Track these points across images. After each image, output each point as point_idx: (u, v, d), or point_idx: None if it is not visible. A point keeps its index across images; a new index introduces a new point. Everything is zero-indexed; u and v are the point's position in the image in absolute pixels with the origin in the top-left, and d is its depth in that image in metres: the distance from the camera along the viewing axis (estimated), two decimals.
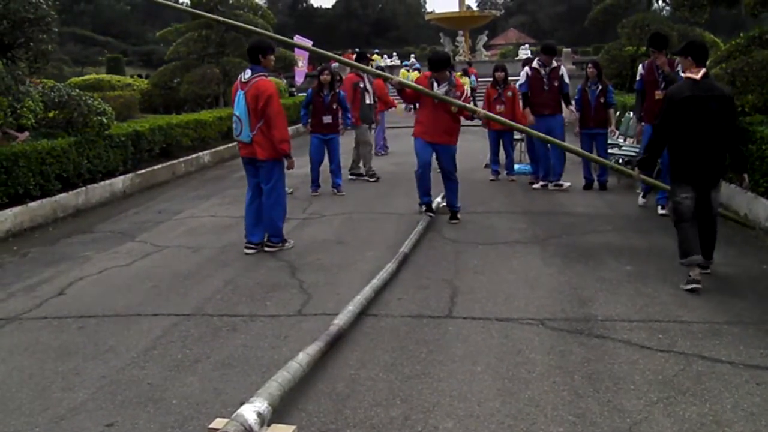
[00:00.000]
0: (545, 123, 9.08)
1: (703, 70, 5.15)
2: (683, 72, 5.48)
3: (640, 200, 8.19)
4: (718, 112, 5.03)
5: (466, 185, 9.56)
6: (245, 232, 6.57)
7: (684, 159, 5.17)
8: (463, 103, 7.25)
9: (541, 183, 9.57)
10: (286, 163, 6.49)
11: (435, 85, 7.31)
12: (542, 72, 9.22)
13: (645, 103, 7.73)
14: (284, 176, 6.59)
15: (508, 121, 8.28)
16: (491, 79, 10.38)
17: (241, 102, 6.19)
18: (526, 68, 9.50)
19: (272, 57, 6.38)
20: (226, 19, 11.05)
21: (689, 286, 5.04)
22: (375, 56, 34.40)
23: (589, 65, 9.57)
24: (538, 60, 9.40)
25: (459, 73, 18.71)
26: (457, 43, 38.43)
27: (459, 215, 7.64)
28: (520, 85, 9.51)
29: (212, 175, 12.03)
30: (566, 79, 9.37)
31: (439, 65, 7.30)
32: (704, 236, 5.25)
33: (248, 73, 6.24)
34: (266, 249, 6.53)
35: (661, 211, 7.47)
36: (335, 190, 9.59)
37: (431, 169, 7.54)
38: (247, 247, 6.50)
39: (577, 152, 8.17)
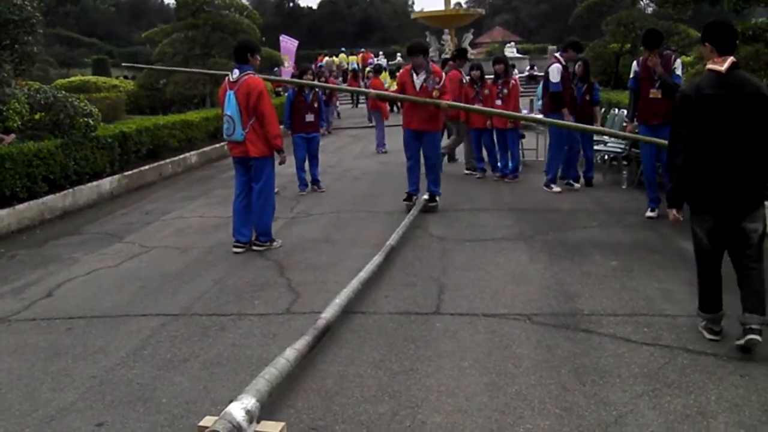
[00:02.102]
0: (562, 119, 9.04)
1: (730, 60, 3.93)
2: (708, 64, 4.09)
3: (648, 213, 7.33)
4: (750, 116, 3.86)
5: (452, 183, 9.63)
6: (233, 232, 6.59)
7: (701, 178, 3.97)
8: (424, 99, 7.67)
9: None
10: (278, 159, 6.55)
11: (414, 75, 7.76)
12: (569, 69, 9.02)
13: (639, 101, 7.26)
14: (273, 175, 6.64)
15: (476, 107, 9.15)
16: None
17: (231, 101, 6.23)
18: (558, 66, 8.78)
19: (258, 56, 6.50)
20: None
21: (708, 337, 4.15)
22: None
23: (579, 64, 9.45)
24: (563, 56, 9.01)
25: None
26: (443, 42, 38.36)
27: (437, 198, 8.08)
28: (555, 84, 8.74)
29: (199, 176, 12.00)
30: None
31: (414, 50, 7.78)
32: (742, 281, 4.08)
33: (236, 72, 6.27)
34: (254, 248, 6.55)
35: (649, 214, 7.29)
36: (315, 187, 9.68)
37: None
38: (235, 247, 6.52)
39: (582, 128, 8.60)
